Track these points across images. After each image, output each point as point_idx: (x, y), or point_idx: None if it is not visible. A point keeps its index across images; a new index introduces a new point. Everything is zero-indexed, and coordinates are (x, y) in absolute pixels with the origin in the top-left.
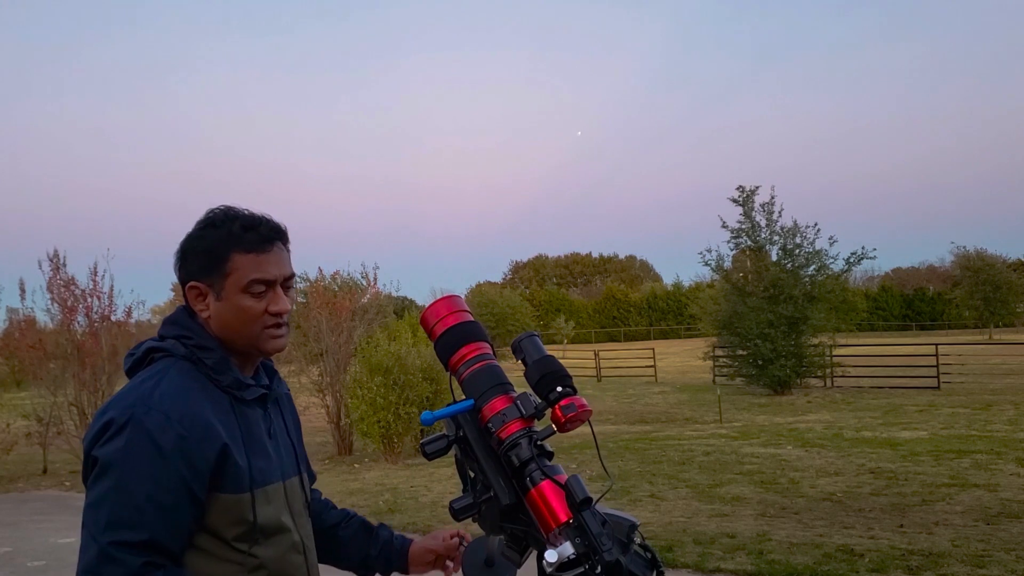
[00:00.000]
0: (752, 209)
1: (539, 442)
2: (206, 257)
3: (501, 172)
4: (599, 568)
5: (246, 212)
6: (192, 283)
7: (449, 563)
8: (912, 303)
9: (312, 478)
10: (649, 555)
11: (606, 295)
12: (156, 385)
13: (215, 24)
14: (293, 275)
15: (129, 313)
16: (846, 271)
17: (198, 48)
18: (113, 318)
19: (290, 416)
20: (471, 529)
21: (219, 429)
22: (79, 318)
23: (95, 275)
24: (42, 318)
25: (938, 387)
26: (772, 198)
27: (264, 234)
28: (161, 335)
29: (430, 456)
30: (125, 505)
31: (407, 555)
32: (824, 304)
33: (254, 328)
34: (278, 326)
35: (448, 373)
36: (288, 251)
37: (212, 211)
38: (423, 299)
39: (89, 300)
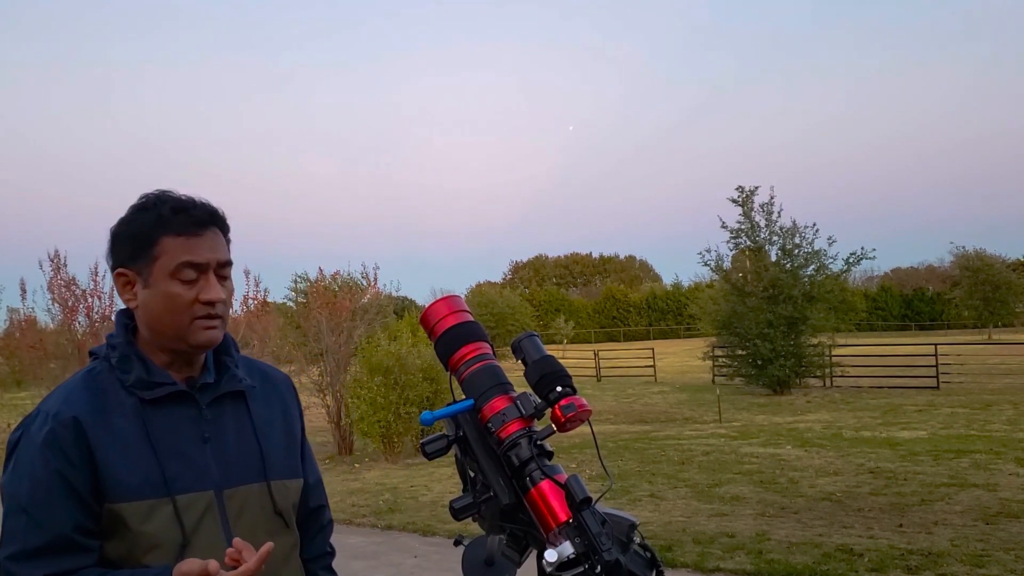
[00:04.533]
0: (751, 209)
1: (539, 442)
2: (134, 241)
3: (501, 172)
4: (599, 568)
5: (180, 195)
6: (120, 270)
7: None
8: (911, 303)
9: (309, 479)
10: (648, 554)
11: (606, 295)
12: (55, 391)
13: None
14: (229, 263)
15: None
16: (845, 271)
17: (199, 49)
18: (113, 318)
19: (264, 413)
20: (471, 529)
21: (89, 429)
22: (80, 318)
23: (96, 275)
24: (43, 318)
25: (937, 387)
26: (771, 198)
27: (196, 216)
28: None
29: (430, 456)
30: (13, 514)
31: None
32: (823, 304)
33: (182, 318)
34: (210, 317)
35: (448, 373)
36: (227, 239)
37: (145, 195)
38: (423, 299)
39: (90, 300)
